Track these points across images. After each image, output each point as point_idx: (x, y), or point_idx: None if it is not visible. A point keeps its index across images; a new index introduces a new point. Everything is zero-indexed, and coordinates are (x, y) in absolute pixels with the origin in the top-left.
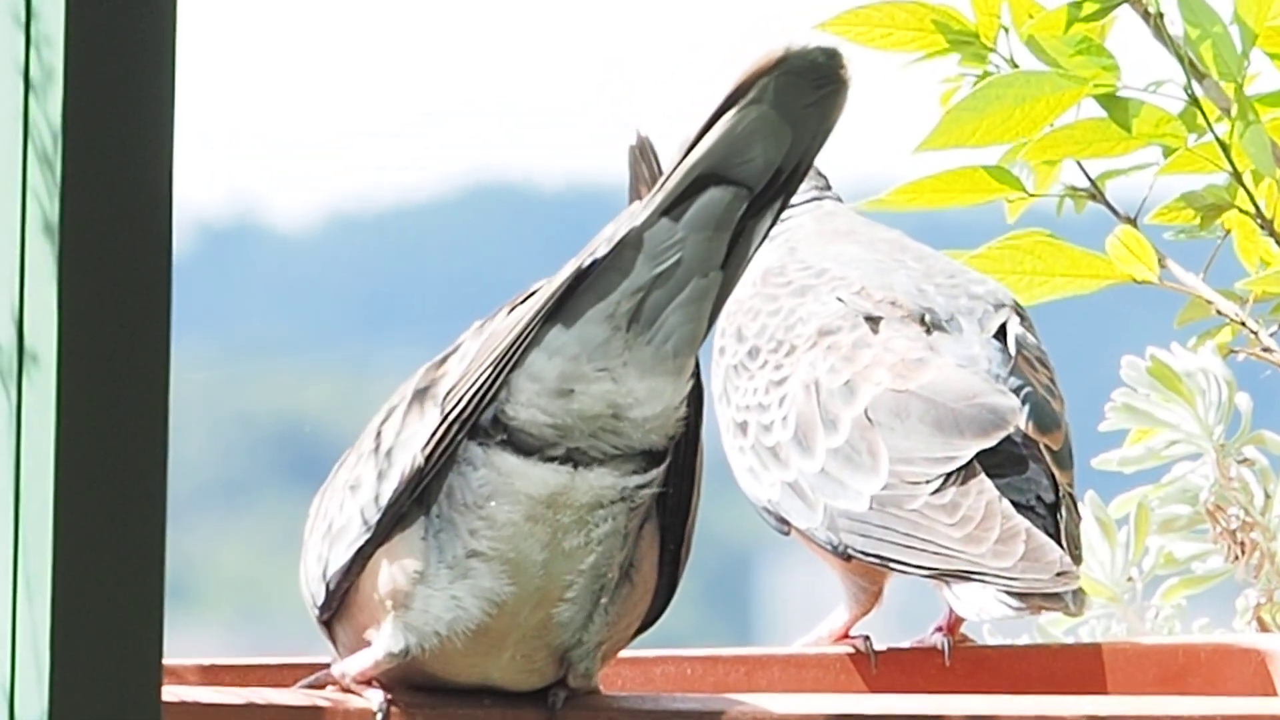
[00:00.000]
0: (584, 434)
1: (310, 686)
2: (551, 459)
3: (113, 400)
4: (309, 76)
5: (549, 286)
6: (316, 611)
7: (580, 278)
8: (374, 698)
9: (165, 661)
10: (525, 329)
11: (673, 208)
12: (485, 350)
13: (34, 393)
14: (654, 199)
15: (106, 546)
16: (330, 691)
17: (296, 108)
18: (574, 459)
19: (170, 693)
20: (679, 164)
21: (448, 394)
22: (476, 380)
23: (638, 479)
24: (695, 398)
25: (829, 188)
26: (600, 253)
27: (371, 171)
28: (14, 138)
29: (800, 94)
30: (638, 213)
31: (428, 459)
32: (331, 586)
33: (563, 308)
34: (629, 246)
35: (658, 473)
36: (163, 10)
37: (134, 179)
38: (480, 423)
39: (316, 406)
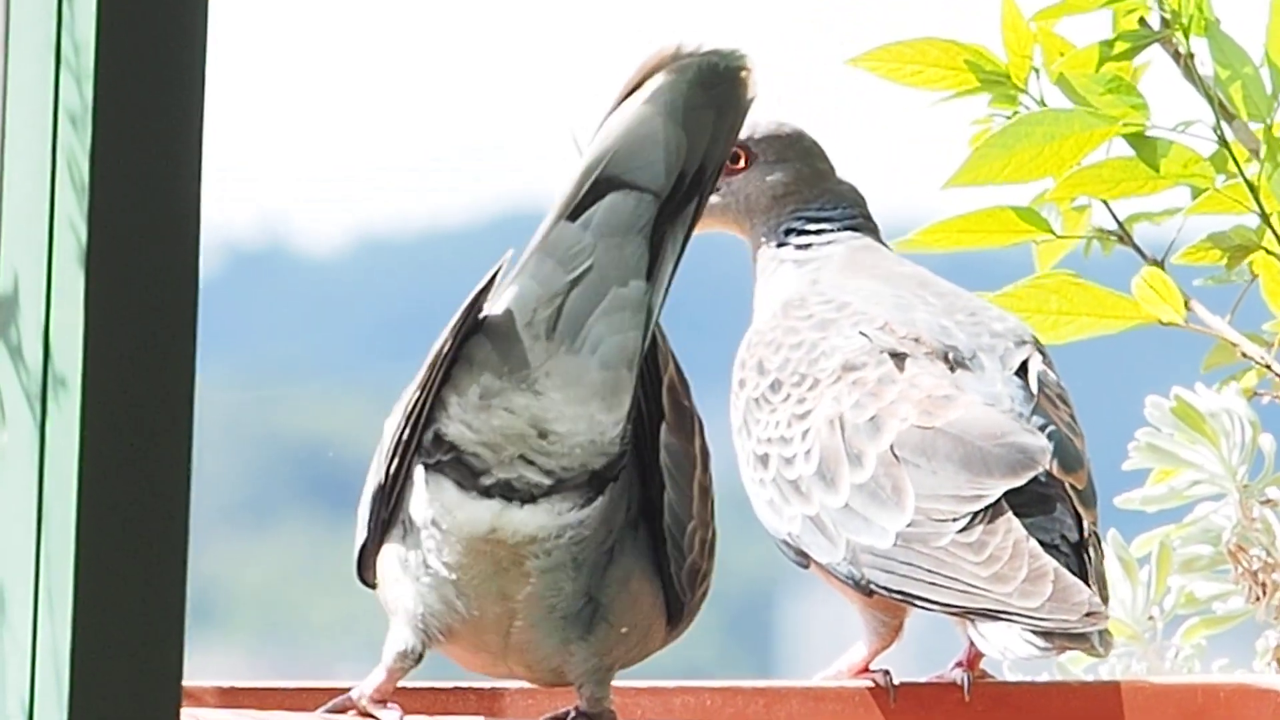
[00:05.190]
0: (512, 457)
1: (331, 711)
2: (486, 492)
3: (137, 420)
4: (342, 100)
5: (467, 298)
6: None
7: (488, 288)
8: (389, 718)
9: (184, 683)
10: (445, 343)
11: (577, 212)
12: (426, 366)
13: (59, 412)
14: (556, 203)
15: (128, 566)
16: (350, 716)
17: (328, 131)
18: (506, 492)
19: (189, 715)
20: (577, 167)
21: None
22: (415, 396)
23: (569, 517)
24: (648, 428)
25: (869, 217)
26: (511, 260)
27: (402, 197)
28: (44, 160)
29: (691, 94)
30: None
31: (387, 471)
32: (360, 583)
33: (482, 319)
34: (540, 252)
35: (591, 512)
36: (193, 34)
37: (163, 201)
38: (424, 442)
39: (342, 430)
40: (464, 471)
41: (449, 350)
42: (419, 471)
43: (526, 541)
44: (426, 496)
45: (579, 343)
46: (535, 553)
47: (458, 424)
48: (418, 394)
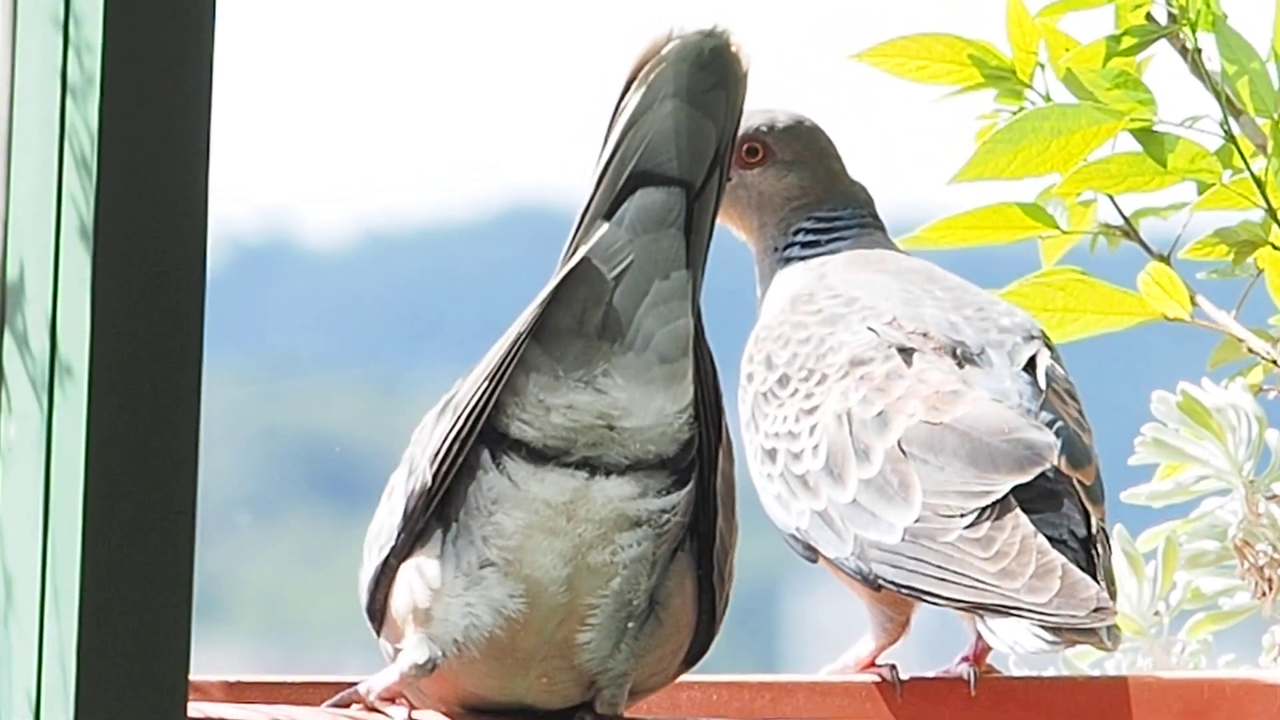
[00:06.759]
0: (586, 444)
1: (337, 705)
2: (566, 464)
3: (143, 414)
4: (346, 95)
5: (532, 304)
6: (371, 625)
7: (554, 296)
8: (397, 714)
9: (192, 677)
10: (510, 347)
11: (611, 210)
12: (483, 366)
13: (65, 402)
14: (589, 203)
15: (134, 561)
16: (356, 710)
17: (332, 126)
18: (589, 466)
19: (196, 709)
20: (606, 165)
21: (457, 408)
22: (472, 397)
23: (659, 501)
24: (711, 417)
25: (876, 217)
26: (567, 266)
27: (406, 191)
28: (50, 151)
29: (700, 78)
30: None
31: (434, 475)
32: (366, 598)
33: (539, 322)
34: (586, 254)
35: (680, 497)
36: (201, 24)
37: (169, 194)
38: (488, 433)
39: (347, 424)
40: (537, 455)
41: (516, 353)
42: (484, 456)
43: (615, 518)
44: (494, 476)
45: (631, 339)
46: (627, 541)
47: (518, 423)
48: (475, 397)
